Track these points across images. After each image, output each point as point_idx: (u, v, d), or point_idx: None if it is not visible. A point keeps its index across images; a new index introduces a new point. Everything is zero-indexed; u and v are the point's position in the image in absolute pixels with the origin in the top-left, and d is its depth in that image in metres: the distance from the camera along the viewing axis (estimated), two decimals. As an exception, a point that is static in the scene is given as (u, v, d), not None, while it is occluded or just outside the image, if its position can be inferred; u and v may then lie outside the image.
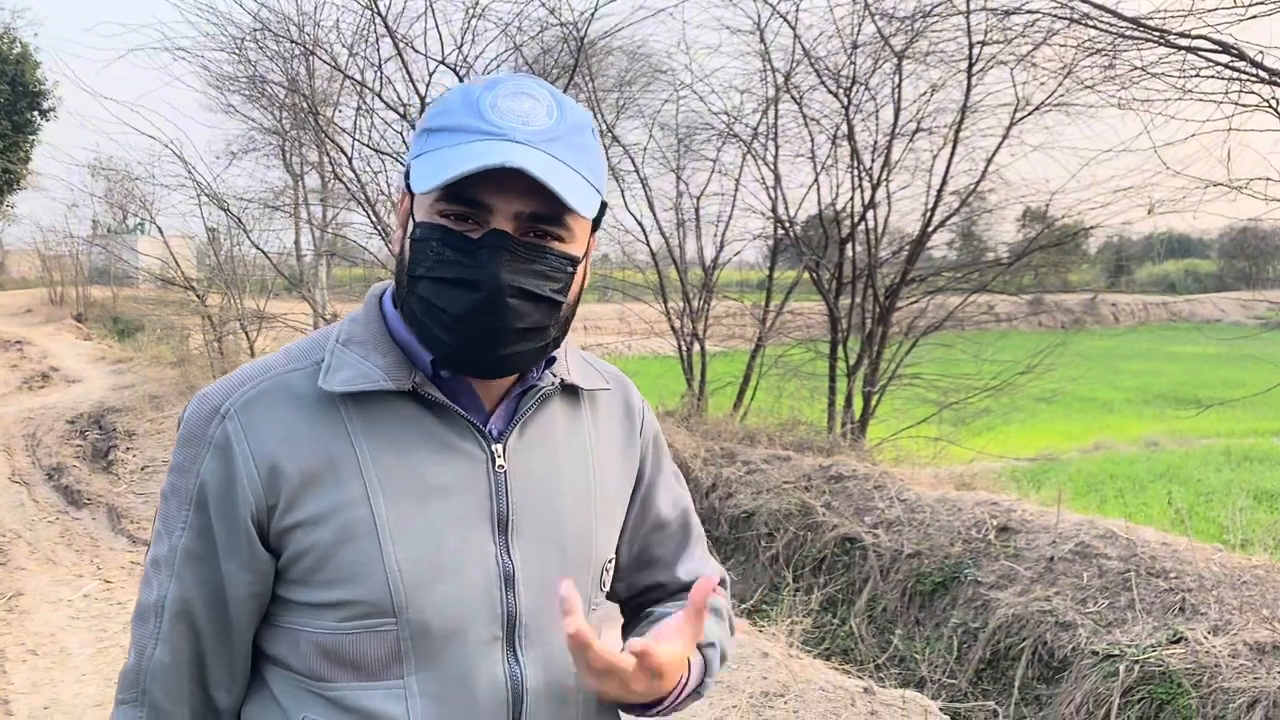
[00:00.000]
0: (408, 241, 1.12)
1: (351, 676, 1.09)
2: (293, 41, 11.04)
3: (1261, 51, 5.65)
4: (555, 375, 1.19)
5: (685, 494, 1.41)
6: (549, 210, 1.06)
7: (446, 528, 1.10)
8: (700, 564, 1.38)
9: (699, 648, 1.21)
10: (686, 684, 1.17)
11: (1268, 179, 6.00)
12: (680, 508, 1.38)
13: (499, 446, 1.14)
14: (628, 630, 1.37)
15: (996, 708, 5.44)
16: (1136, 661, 4.97)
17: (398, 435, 1.11)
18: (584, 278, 1.16)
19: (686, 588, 1.37)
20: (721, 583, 1.37)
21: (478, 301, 1.05)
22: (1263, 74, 5.64)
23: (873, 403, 11.20)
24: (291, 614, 1.12)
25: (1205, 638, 4.94)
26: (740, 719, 4.06)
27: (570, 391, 1.23)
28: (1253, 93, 5.84)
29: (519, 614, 1.13)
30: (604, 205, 1.14)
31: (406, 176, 1.13)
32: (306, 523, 1.08)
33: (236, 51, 11.88)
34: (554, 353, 1.19)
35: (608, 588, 1.26)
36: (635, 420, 1.32)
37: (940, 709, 4.58)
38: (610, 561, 1.24)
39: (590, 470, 1.22)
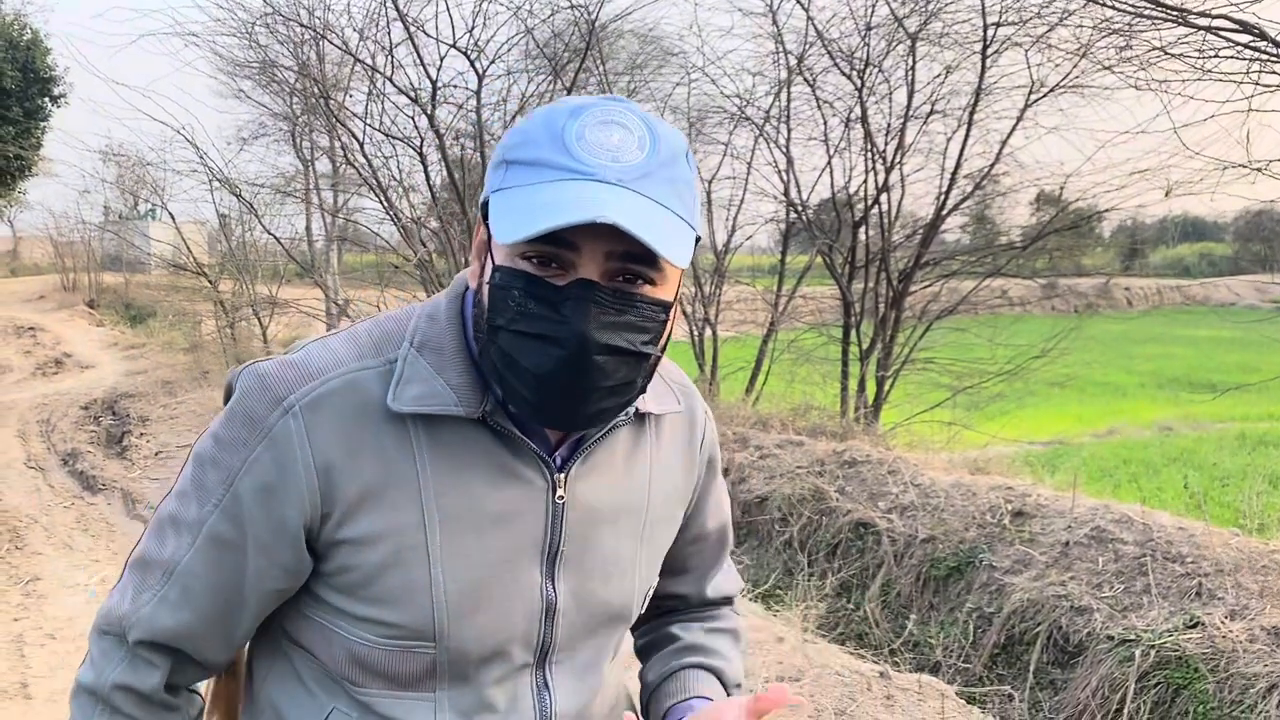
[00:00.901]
0: (486, 287, 1.03)
1: (383, 686, 1.08)
2: (303, 26, 11.01)
3: (1283, 30, 5.59)
4: (632, 406, 1.12)
5: (727, 503, 1.39)
6: (643, 250, 0.96)
7: (497, 559, 1.07)
8: (725, 576, 1.38)
9: (726, 687, 1.25)
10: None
11: (1288, 161, 5.94)
12: (721, 521, 1.36)
13: (561, 476, 1.10)
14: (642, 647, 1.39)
15: (1012, 692, 5.43)
16: (1152, 646, 4.94)
17: (462, 459, 1.06)
18: (673, 324, 1.06)
19: (708, 603, 1.37)
20: (728, 600, 1.42)
21: (562, 359, 0.97)
22: (1284, 54, 5.57)
23: (886, 387, 11.17)
24: (327, 613, 1.09)
25: (1222, 622, 4.92)
26: (755, 703, 4.06)
27: (641, 417, 1.17)
28: (1274, 72, 5.77)
29: (554, 642, 1.12)
30: (699, 239, 1.06)
31: (483, 208, 1.04)
32: (358, 540, 1.04)
33: (247, 36, 11.86)
34: None
35: (642, 609, 1.23)
36: (697, 436, 1.27)
37: (955, 693, 4.57)
38: (651, 587, 1.22)
39: (646, 496, 1.18)
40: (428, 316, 1.10)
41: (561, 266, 0.98)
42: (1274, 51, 5.52)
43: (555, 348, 0.97)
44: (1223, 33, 5.70)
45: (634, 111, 1.02)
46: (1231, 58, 5.85)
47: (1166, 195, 8.13)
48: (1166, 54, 6.32)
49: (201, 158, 12.22)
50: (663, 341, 1.05)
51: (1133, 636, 5.11)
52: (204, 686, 1.23)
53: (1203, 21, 5.69)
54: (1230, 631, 4.85)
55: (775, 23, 11.22)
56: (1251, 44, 5.62)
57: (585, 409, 1.01)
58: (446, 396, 1.04)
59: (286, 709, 1.12)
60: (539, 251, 0.98)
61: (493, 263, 1.02)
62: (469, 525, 1.06)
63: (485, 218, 1.04)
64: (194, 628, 1.09)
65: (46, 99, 24.33)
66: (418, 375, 1.05)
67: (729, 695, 1.22)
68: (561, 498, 1.09)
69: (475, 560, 1.06)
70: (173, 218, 18.03)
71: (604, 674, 1.20)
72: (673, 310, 1.04)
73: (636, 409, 1.13)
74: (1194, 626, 5.01)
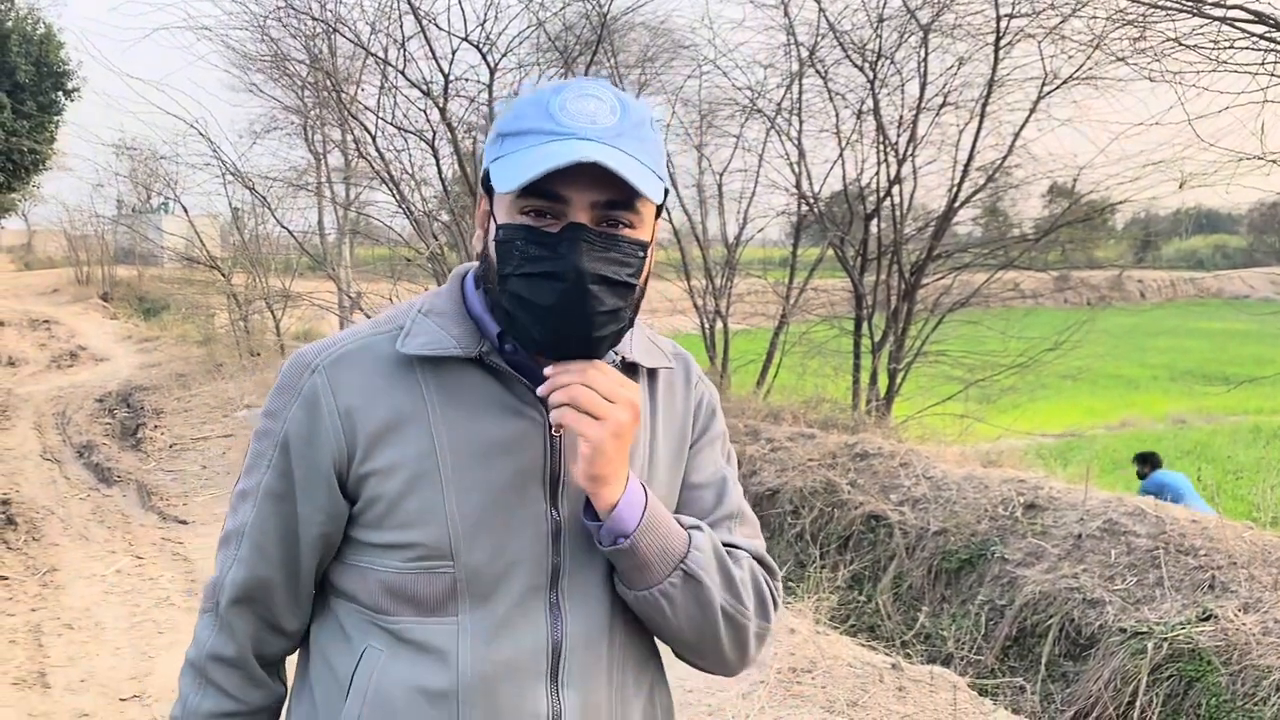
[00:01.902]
0: (493, 244, 1.21)
1: (411, 612, 1.21)
2: (315, 19, 11.02)
3: (1298, 21, 5.56)
4: (617, 353, 1.29)
5: (730, 470, 1.45)
6: (621, 197, 1.16)
7: (503, 483, 1.21)
8: (728, 536, 1.38)
9: (683, 525, 1.28)
10: (643, 517, 1.21)
11: (1303, 152, 5.91)
12: (718, 476, 1.41)
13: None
14: None
15: (1024, 684, 5.43)
16: (1165, 639, 4.94)
17: (465, 397, 1.22)
18: (652, 261, 1.25)
19: None
20: (765, 565, 1.40)
21: (563, 291, 1.14)
22: (1299, 44, 5.54)
23: (898, 380, 11.15)
24: (362, 553, 1.24)
25: (1235, 615, 4.91)
26: (769, 694, 4.08)
27: (630, 368, 1.31)
28: (1289, 63, 5.75)
29: (564, 566, 1.23)
30: (667, 191, 1.23)
31: (485, 180, 1.23)
32: (380, 471, 1.20)
33: (259, 30, 11.88)
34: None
35: None
36: (691, 393, 1.41)
37: (968, 685, 4.58)
38: None
39: (642, 437, 1.30)
40: (432, 294, 1.31)
41: (555, 217, 1.16)
42: (1289, 42, 5.49)
43: (556, 281, 1.14)
44: (1238, 23, 5.67)
45: (606, 86, 1.21)
46: (1246, 49, 5.82)
47: (1180, 187, 8.11)
48: (1181, 45, 6.30)
49: (215, 151, 12.25)
50: (644, 275, 1.21)
51: (1145, 629, 5.11)
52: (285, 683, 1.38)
53: (1217, 12, 5.67)
54: (1243, 624, 4.84)
55: (787, 14, 11.20)
56: (1267, 34, 5.60)
57: (586, 333, 1.17)
58: (446, 341, 1.22)
59: (331, 654, 1.26)
60: (534, 206, 1.16)
61: (496, 224, 1.20)
62: (475, 454, 1.21)
63: (486, 189, 1.23)
64: (267, 577, 1.26)
65: (60, 93, 24.44)
66: (422, 329, 1.24)
67: (685, 530, 1.28)
68: (559, 430, 1.21)
69: (482, 484, 1.20)
70: (185, 211, 18.09)
71: (621, 623, 1.28)
72: (650, 248, 1.22)
73: (624, 358, 1.29)
74: (1207, 619, 5.00)
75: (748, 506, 1.45)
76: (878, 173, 11.37)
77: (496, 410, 1.23)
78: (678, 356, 1.41)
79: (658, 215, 1.25)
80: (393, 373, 1.23)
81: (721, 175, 12.77)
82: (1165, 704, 4.81)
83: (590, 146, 1.13)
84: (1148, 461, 8.77)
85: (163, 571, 6.10)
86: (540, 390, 1.20)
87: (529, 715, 1.21)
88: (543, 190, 1.14)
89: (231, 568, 1.28)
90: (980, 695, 4.45)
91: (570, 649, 1.23)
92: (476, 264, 1.30)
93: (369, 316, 11.83)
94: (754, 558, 1.38)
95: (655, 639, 1.35)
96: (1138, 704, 4.85)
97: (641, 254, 1.20)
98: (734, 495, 1.42)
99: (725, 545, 1.33)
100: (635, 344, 1.32)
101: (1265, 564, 5.33)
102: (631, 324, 1.24)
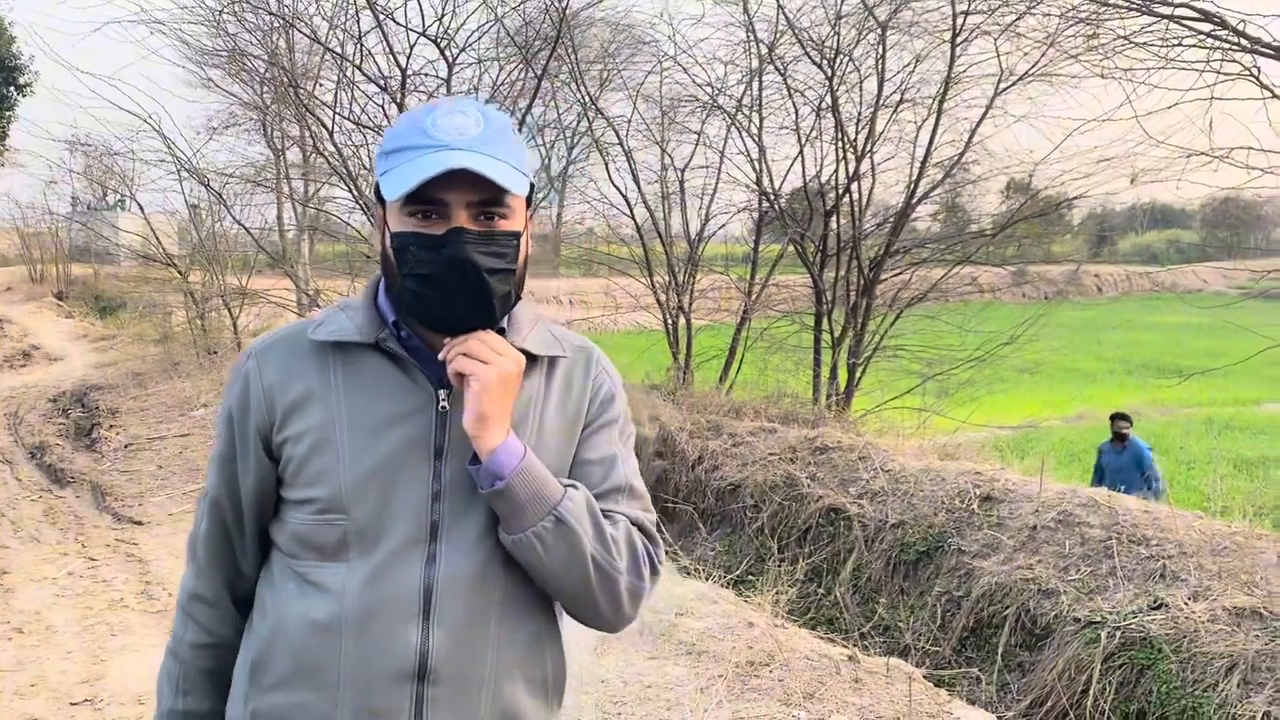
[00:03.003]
0: (390, 249, 1.42)
1: (313, 557, 1.43)
2: (271, 14, 10.92)
3: (1243, 20, 5.66)
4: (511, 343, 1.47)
5: (624, 450, 1.58)
6: (491, 195, 1.37)
7: (391, 450, 1.41)
8: (614, 506, 1.52)
9: (560, 484, 1.45)
10: (519, 463, 1.39)
11: (1249, 148, 6.02)
12: (609, 454, 1.55)
13: (444, 392, 1.43)
14: None
15: (979, 675, 5.50)
16: (1118, 628, 5.02)
17: (364, 378, 1.44)
18: (527, 246, 1.47)
19: None
20: (645, 532, 1.53)
21: (452, 284, 1.37)
22: (1244, 42, 5.64)
23: (857, 375, 11.24)
24: (284, 509, 1.48)
25: (1185, 604, 5.00)
26: (726, 688, 4.09)
27: (527, 358, 1.47)
28: (1234, 61, 5.85)
29: (442, 523, 1.42)
30: (533, 186, 1.46)
31: (377, 191, 1.46)
32: (292, 437, 1.44)
33: (214, 25, 11.74)
34: (510, 323, 1.48)
35: None
36: (590, 381, 1.57)
37: (924, 676, 4.62)
38: None
39: (527, 416, 1.48)
40: (357, 295, 1.54)
41: (439, 217, 1.38)
42: (1234, 40, 5.59)
43: (444, 277, 1.37)
44: (1185, 21, 5.77)
45: (472, 103, 1.43)
46: (1194, 46, 5.92)
47: (1132, 182, 8.24)
48: (1131, 43, 6.40)
49: (169, 147, 12.08)
50: (521, 259, 1.44)
51: (1098, 618, 5.18)
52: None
53: (1165, 10, 5.76)
54: (1193, 612, 4.92)
55: (746, 11, 11.23)
56: (1213, 33, 5.69)
57: (475, 315, 1.40)
58: (349, 329, 1.45)
59: (264, 592, 1.51)
60: (419, 209, 1.38)
61: (389, 231, 1.42)
62: (368, 425, 1.42)
63: (380, 199, 1.45)
64: (225, 528, 1.52)
65: (12, 88, 24.00)
66: (333, 320, 1.48)
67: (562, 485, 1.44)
68: (444, 407, 1.43)
69: (371, 448, 1.41)
70: (141, 209, 17.83)
71: (498, 575, 1.43)
72: (524, 236, 1.45)
73: (518, 348, 1.45)
74: (1158, 608, 5.08)
75: (640, 482, 1.59)
76: (837, 169, 11.45)
77: (391, 389, 1.43)
78: (580, 349, 1.58)
79: (528, 206, 1.47)
80: (308, 357, 1.46)
81: (683, 171, 12.79)
82: (1118, 692, 4.89)
83: (460, 155, 1.34)
84: (1128, 419, 8.80)
85: (116, 573, 6.02)
86: (441, 354, 1.40)
87: (400, 647, 1.39)
88: (425, 196, 1.36)
89: (202, 522, 1.54)
90: (936, 686, 4.49)
91: (442, 594, 1.40)
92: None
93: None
94: (634, 523, 1.52)
95: (545, 598, 1.50)
96: (1091, 692, 4.93)
97: (515, 242, 1.42)
98: (622, 471, 1.55)
99: (606, 512, 1.48)
100: (531, 336, 1.50)
101: (1214, 553, 5.43)
102: (517, 301, 1.47)
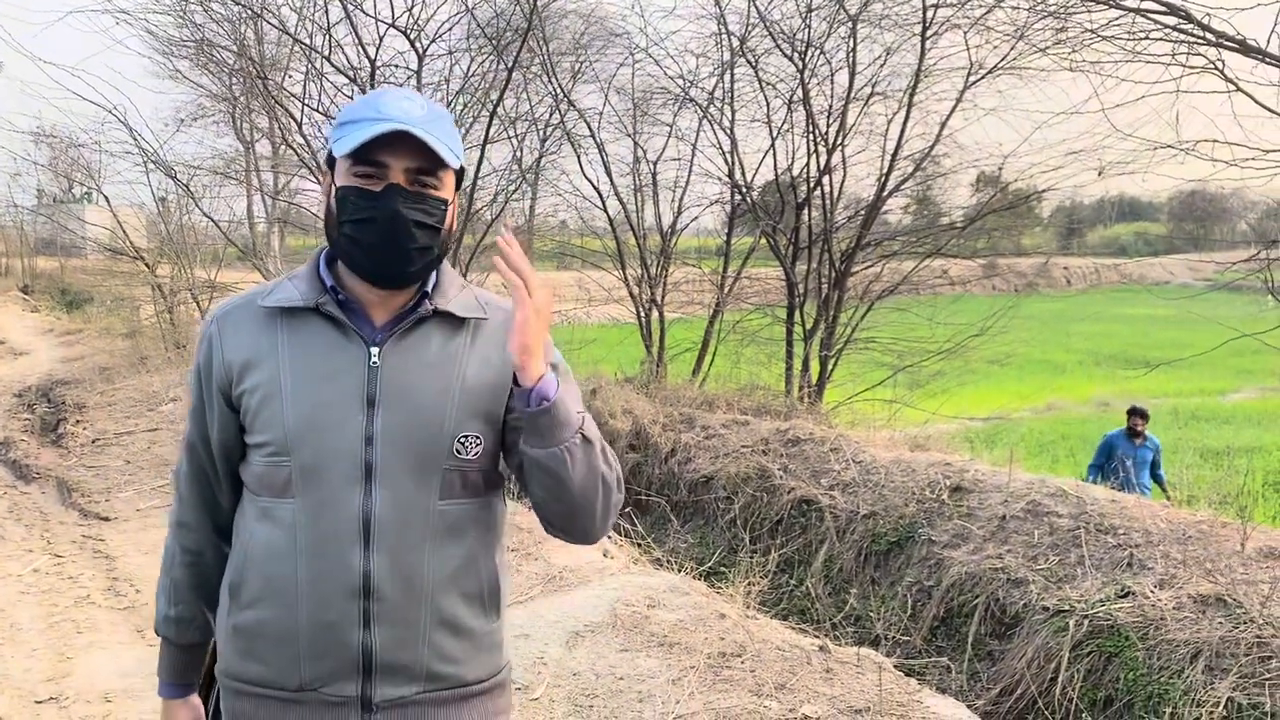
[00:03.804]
0: (333, 202, 1.63)
1: (268, 494, 1.66)
2: (239, 4, 10.80)
3: (1208, 14, 5.71)
4: (431, 305, 1.66)
5: (572, 389, 1.69)
6: (428, 164, 1.59)
7: (329, 400, 1.62)
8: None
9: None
10: (557, 390, 1.56)
11: (1214, 141, 6.08)
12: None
13: (375, 349, 1.63)
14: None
15: (950, 664, 5.54)
16: (1086, 616, 5.07)
17: (306, 337, 1.66)
18: (453, 216, 1.68)
19: None
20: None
21: (383, 231, 1.58)
22: (1209, 35, 5.70)
23: (829, 367, 11.28)
24: (249, 453, 1.70)
25: (1151, 592, 5.06)
26: (698, 679, 4.10)
27: (453, 319, 1.68)
28: (1200, 54, 5.90)
29: (376, 464, 1.61)
30: (463, 169, 1.68)
31: (329, 159, 1.66)
32: (247, 390, 1.66)
33: (181, 15, 11.61)
34: (436, 288, 1.67)
35: (470, 456, 1.66)
36: None
37: (895, 665, 4.65)
38: (466, 436, 1.65)
39: (453, 370, 1.66)
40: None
41: (379, 179, 1.58)
42: (1200, 34, 5.64)
43: (377, 224, 1.58)
44: (1151, 15, 5.82)
45: (419, 95, 1.66)
46: (1160, 39, 5.98)
47: (1100, 175, 8.29)
48: (1099, 36, 6.45)
49: (135, 139, 11.94)
50: (447, 224, 1.64)
51: (1067, 607, 5.24)
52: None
53: (1131, 3, 5.81)
54: (1159, 600, 4.98)
55: (718, 3, 11.23)
56: (1179, 26, 5.74)
57: (403, 265, 1.60)
58: (294, 295, 1.66)
59: (238, 524, 1.74)
60: (363, 171, 1.58)
61: (335, 188, 1.62)
62: (308, 378, 1.63)
63: (330, 164, 1.66)
64: (199, 467, 1.76)
65: (-26, 78, 23.63)
66: (280, 288, 1.70)
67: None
68: (376, 363, 1.63)
69: (311, 399, 1.62)
70: (108, 201, 17.62)
71: (429, 507, 1.63)
72: (451, 206, 1.65)
73: (436, 309, 1.66)
74: (1125, 596, 5.14)
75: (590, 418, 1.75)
76: (808, 162, 11.48)
77: (328, 347, 1.64)
78: (496, 310, 1.73)
79: (457, 186, 1.68)
80: (260, 320, 1.68)
81: (656, 164, 12.77)
82: (1086, 679, 4.94)
83: (404, 126, 1.54)
84: (1144, 416, 8.79)
85: (83, 570, 5.95)
86: (501, 250, 1.54)
87: (346, 570, 1.61)
88: (369, 159, 1.57)
89: (183, 463, 1.79)
90: (907, 676, 4.51)
91: (379, 524, 1.61)
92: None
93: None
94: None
95: (476, 525, 1.69)
96: (1059, 680, 4.98)
97: (444, 207, 1.63)
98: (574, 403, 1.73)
99: None
100: (456, 299, 1.69)
101: (1179, 541, 5.50)
102: (440, 261, 1.67)
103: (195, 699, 1.89)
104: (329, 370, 1.63)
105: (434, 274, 1.69)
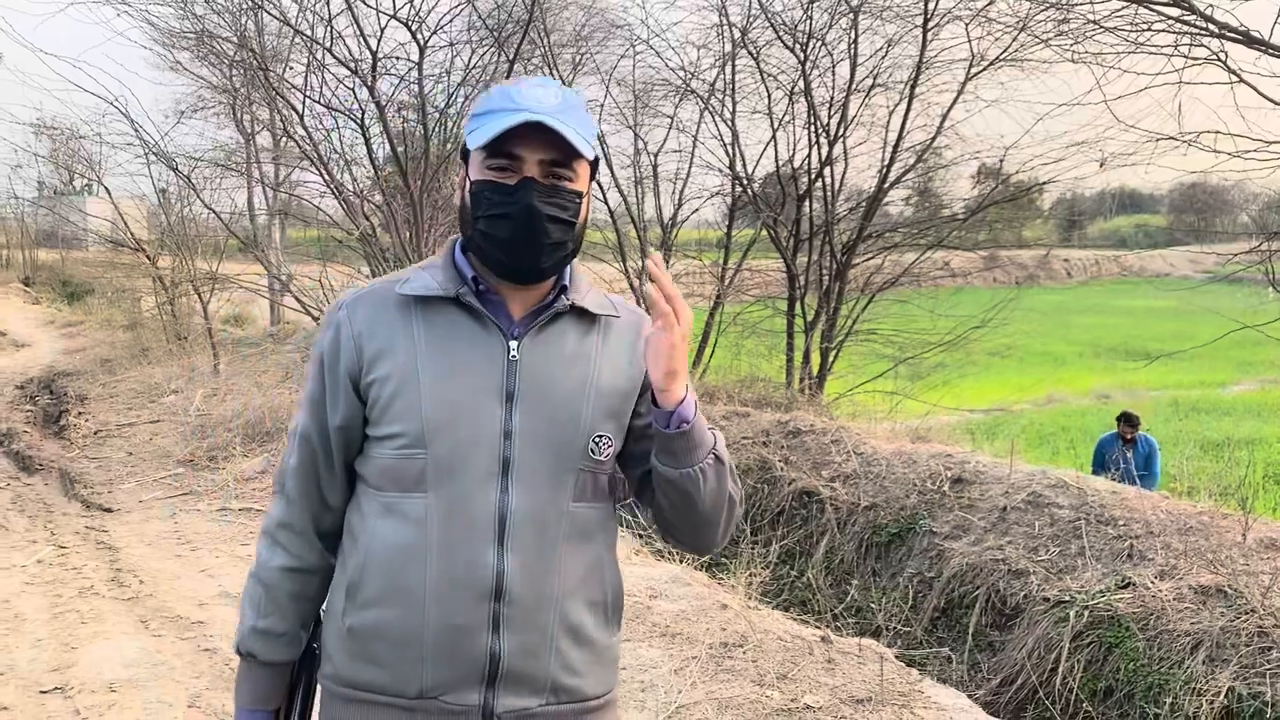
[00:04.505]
0: (468, 196, 1.59)
1: (395, 488, 1.58)
2: (240, -5, 10.78)
3: (1211, 5, 5.70)
4: (568, 300, 1.62)
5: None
6: (561, 155, 1.54)
7: (467, 393, 1.57)
8: None
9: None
10: (695, 413, 1.55)
11: (1216, 132, 6.07)
12: None
13: (514, 343, 1.59)
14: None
15: (950, 654, 5.56)
16: (1086, 607, 5.09)
17: (443, 328, 1.60)
18: (588, 209, 1.63)
19: None
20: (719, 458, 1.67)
21: (518, 225, 1.54)
22: (1212, 27, 5.69)
23: (830, 359, 11.29)
24: (370, 445, 1.62)
25: (1152, 582, 5.07)
26: (700, 669, 4.12)
27: (586, 316, 1.65)
28: (1202, 45, 5.89)
29: (514, 460, 1.56)
30: (597, 158, 1.61)
31: (463, 152, 1.63)
32: (378, 380, 1.59)
33: (182, 6, 11.59)
34: (571, 283, 1.63)
35: (603, 457, 1.62)
36: (641, 344, 1.68)
37: (896, 656, 4.67)
38: (601, 436, 1.62)
39: (589, 369, 1.63)
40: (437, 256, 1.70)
41: (513, 172, 1.54)
42: (1202, 25, 5.63)
43: (512, 218, 1.53)
44: (1154, 5, 5.80)
45: (554, 81, 1.60)
46: (1163, 31, 5.96)
47: (1101, 167, 8.29)
48: (1101, 27, 6.43)
49: (136, 131, 11.92)
50: (581, 218, 1.60)
51: (1067, 598, 5.25)
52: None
53: (1134, -6, 5.80)
54: (1160, 591, 5.00)
55: (719, -6, 11.21)
56: (1181, 17, 5.73)
57: (538, 261, 1.56)
58: (432, 284, 1.60)
59: (353, 523, 1.65)
60: (497, 164, 1.54)
61: (470, 182, 1.59)
62: (446, 370, 1.57)
63: (464, 157, 1.62)
64: (313, 460, 1.66)
65: (-27, 70, 23.60)
66: (417, 277, 1.63)
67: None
68: (515, 357, 1.58)
69: (449, 393, 1.56)
70: (109, 193, 17.60)
71: (563, 507, 1.58)
72: (585, 199, 1.61)
73: (573, 304, 1.62)
74: (1125, 587, 5.16)
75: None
76: (809, 154, 11.47)
77: (467, 338, 1.59)
78: (633, 313, 1.73)
79: (591, 175, 1.62)
80: (394, 309, 1.61)
81: (656, 156, 12.78)
82: (1086, 669, 4.96)
83: (538, 118, 1.49)
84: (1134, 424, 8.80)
85: (86, 560, 5.97)
86: (649, 281, 1.50)
87: (479, 568, 1.54)
88: (503, 150, 1.52)
89: (292, 456, 1.69)
90: (908, 666, 4.53)
91: (514, 522, 1.56)
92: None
93: (299, 299, 11.64)
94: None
95: (603, 530, 1.65)
96: (1060, 670, 5.00)
97: (578, 200, 1.58)
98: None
99: None
100: (589, 296, 1.65)
101: (1180, 532, 5.51)
102: (575, 255, 1.63)
103: None
104: (467, 362, 1.58)
105: (568, 269, 1.64)
